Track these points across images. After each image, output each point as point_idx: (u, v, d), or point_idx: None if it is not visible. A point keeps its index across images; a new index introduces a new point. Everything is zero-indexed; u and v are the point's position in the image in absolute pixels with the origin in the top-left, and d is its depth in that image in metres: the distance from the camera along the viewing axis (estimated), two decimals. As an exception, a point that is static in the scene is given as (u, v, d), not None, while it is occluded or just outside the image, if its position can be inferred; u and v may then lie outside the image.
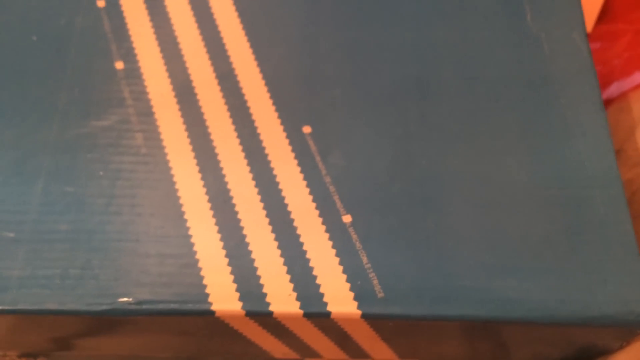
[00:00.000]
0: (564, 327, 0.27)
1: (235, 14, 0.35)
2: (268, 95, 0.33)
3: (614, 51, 0.44)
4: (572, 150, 0.31)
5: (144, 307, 0.27)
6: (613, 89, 0.42)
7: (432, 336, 0.29)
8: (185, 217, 0.29)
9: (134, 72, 0.33)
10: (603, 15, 0.47)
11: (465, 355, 0.32)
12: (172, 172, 0.30)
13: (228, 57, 0.34)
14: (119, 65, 0.33)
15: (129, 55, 0.34)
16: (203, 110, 0.32)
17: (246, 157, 0.31)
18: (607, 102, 0.41)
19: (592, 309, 0.27)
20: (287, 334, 0.29)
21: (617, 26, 0.45)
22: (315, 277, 0.28)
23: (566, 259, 0.28)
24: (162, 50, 0.34)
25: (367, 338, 0.29)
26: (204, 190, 0.30)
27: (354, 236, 0.29)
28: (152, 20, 0.35)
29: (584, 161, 0.31)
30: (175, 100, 0.32)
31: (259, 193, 0.30)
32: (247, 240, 0.29)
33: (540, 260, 0.28)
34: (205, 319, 0.28)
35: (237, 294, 0.27)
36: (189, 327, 0.29)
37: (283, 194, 0.30)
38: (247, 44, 0.34)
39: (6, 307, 0.27)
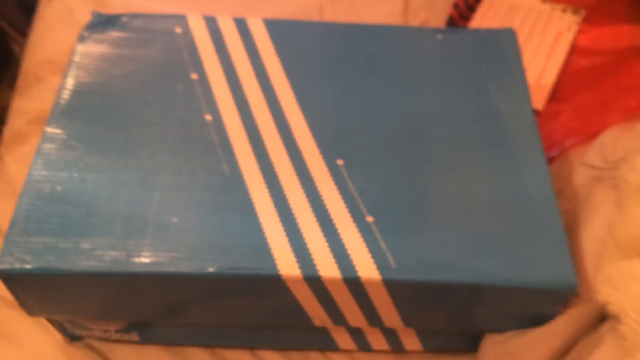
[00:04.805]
0: (513, 290, 0.40)
1: (288, 84, 0.50)
2: (313, 139, 0.47)
3: (557, 123, 0.59)
4: (521, 179, 0.45)
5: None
6: (555, 150, 0.57)
7: (431, 300, 0.42)
8: (257, 213, 0.42)
9: (219, 123, 0.48)
10: (552, 97, 0.63)
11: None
12: (248, 187, 0.44)
13: (284, 114, 0.48)
14: (208, 117, 0.48)
15: (214, 111, 0.48)
16: (269, 151, 0.46)
17: (299, 179, 0.45)
18: (552, 158, 0.56)
19: (533, 278, 0.40)
20: (327, 298, 0.42)
21: (561, 105, 0.61)
22: (349, 255, 0.41)
23: (517, 246, 0.42)
24: (238, 111, 0.48)
25: (382, 301, 0.42)
26: (270, 197, 0.43)
27: (376, 231, 0.42)
28: (230, 88, 0.50)
29: (529, 187, 0.45)
30: (249, 143, 0.47)
31: (308, 200, 0.43)
32: (301, 230, 0.42)
33: (499, 246, 0.42)
34: (272, 282, 0.40)
35: (297, 265, 0.40)
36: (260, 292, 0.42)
37: (324, 201, 0.43)
38: (298, 105, 0.49)
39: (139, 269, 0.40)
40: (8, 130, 0.64)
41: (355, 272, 0.40)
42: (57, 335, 0.49)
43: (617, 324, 0.38)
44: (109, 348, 0.49)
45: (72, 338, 0.49)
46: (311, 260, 0.41)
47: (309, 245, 0.41)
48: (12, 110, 0.66)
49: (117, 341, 0.48)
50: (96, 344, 0.49)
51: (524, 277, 0.41)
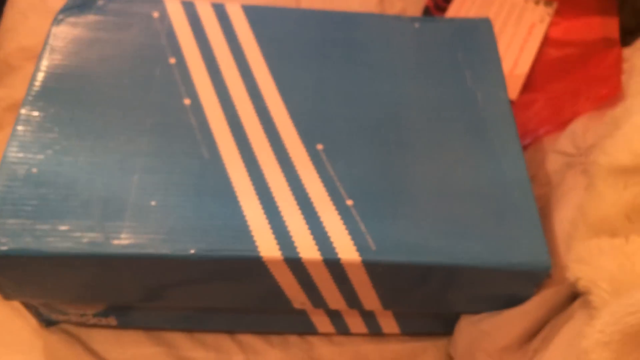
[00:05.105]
0: (490, 272, 0.41)
1: (267, 69, 0.50)
2: (292, 123, 0.47)
3: (530, 112, 0.61)
4: (498, 165, 0.46)
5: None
6: (529, 138, 0.58)
7: (410, 282, 0.43)
8: (237, 196, 0.42)
9: (198, 107, 0.47)
10: (525, 87, 0.64)
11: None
12: (227, 170, 0.44)
13: (264, 98, 0.49)
14: (187, 101, 0.48)
15: (193, 95, 0.48)
16: (248, 135, 0.46)
17: (279, 163, 0.45)
18: (525, 146, 0.58)
19: (509, 260, 0.41)
20: (307, 280, 0.42)
21: (534, 95, 0.63)
22: (329, 237, 0.41)
23: (493, 229, 0.43)
24: (217, 95, 0.48)
25: (361, 283, 0.42)
26: (250, 180, 0.43)
27: (356, 214, 0.43)
28: (209, 72, 0.50)
29: (505, 172, 0.46)
30: (228, 127, 0.47)
31: (288, 184, 0.44)
32: (281, 213, 0.42)
33: (476, 229, 0.43)
34: (253, 264, 0.40)
35: (277, 247, 0.40)
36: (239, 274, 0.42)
37: (304, 184, 0.44)
38: (277, 90, 0.49)
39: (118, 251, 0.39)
40: (-18, 118, 0.63)
41: (336, 254, 0.41)
42: (33, 321, 0.48)
43: (588, 296, 0.39)
44: (86, 333, 0.48)
45: (48, 323, 0.48)
46: (292, 242, 0.41)
47: (289, 228, 0.41)
48: (-15, 98, 0.64)
49: (94, 326, 0.48)
50: (73, 328, 0.48)
51: (500, 259, 0.41)
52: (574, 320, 0.40)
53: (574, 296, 0.42)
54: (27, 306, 0.47)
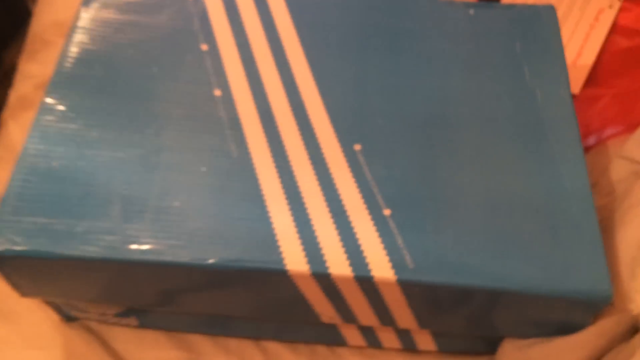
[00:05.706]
0: (541, 299, 0.37)
1: (305, 60, 0.46)
2: (329, 121, 0.43)
3: (594, 110, 0.55)
4: (556, 174, 0.41)
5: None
6: (591, 139, 0.53)
7: (450, 304, 0.39)
8: (265, 200, 0.39)
9: (228, 99, 0.44)
10: (589, 80, 0.58)
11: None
12: (256, 171, 0.41)
13: (300, 92, 0.45)
14: (217, 92, 0.44)
15: (224, 85, 0.45)
16: (281, 132, 0.43)
17: (312, 165, 0.41)
18: (587, 149, 0.52)
19: (564, 286, 0.37)
20: (337, 296, 0.39)
21: (599, 90, 0.57)
22: (363, 251, 0.38)
23: (546, 249, 0.38)
24: (250, 86, 0.45)
25: (396, 302, 0.39)
26: (280, 183, 0.40)
27: (393, 226, 0.39)
28: (242, 61, 0.46)
29: (565, 182, 0.41)
30: (259, 122, 0.43)
31: (321, 189, 0.40)
32: (312, 221, 0.39)
33: (527, 249, 0.38)
34: (277, 277, 0.37)
35: (305, 260, 0.37)
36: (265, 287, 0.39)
37: (339, 190, 0.40)
38: (315, 83, 0.45)
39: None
40: (14, 94, 0.61)
41: (369, 270, 0.37)
42: (53, 315, 0.46)
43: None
44: (107, 330, 0.47)
45: (69, 319, 0.47)
46: (321, 255, 0.37)
47: (319, 239, 0.38)
48: (19, 73, 0.63)
49: (115, 324, 0.46)
50: (94, 325, 0.47)
51: (553, 285, 0.37)
52: (637, 358, 0.35)
53: (636, 328, 0.38)
54: (47, 302, 0.45)
